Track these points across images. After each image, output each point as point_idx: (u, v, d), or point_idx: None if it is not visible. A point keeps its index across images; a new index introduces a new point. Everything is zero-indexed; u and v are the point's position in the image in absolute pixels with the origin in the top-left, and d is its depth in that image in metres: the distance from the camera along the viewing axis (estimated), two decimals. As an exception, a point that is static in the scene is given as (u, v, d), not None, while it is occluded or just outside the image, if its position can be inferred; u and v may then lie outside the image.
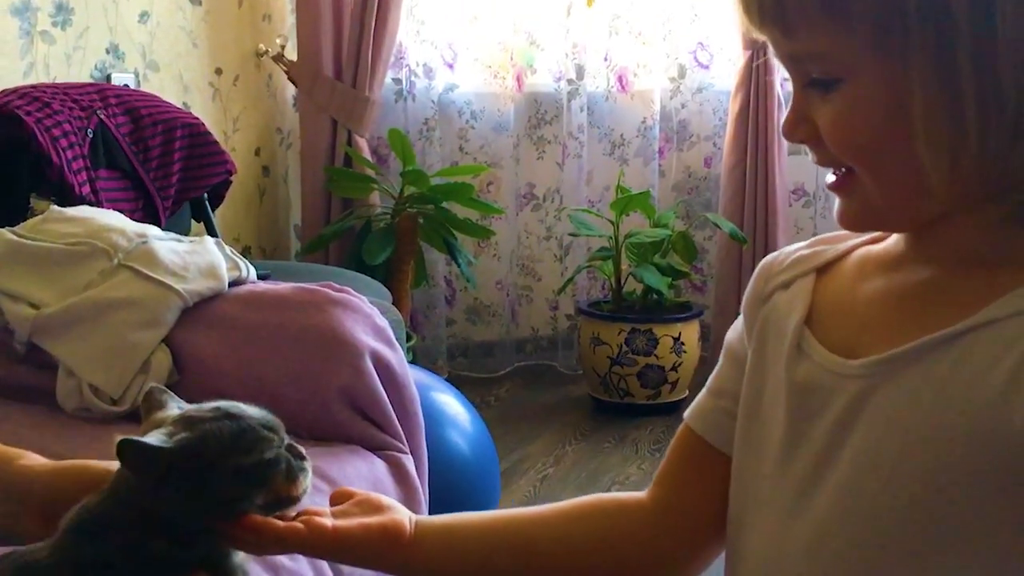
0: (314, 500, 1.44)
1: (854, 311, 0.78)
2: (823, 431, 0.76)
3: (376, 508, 0.89)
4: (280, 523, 0.83)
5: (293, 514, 0.84)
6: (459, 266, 3.43)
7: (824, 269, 0.82)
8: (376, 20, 3.40)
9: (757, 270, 0.87)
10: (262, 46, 3.52)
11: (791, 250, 0.86)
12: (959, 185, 0.69)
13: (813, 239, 0.86)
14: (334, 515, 0.87)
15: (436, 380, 2.32)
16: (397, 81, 3.63)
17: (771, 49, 0.74)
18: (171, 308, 1.63)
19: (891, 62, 0.68)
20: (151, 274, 1.63)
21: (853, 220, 0.76)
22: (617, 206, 3.40)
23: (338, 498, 0.91)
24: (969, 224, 0.72)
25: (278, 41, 3.50)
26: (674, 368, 3.37)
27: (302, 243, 3.60)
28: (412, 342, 3.39)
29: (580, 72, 3.69)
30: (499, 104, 3.71)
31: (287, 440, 0.86)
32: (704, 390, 0.91)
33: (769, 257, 0.88)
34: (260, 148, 3.63)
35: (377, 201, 3.53)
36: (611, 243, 3.45)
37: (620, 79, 3.77)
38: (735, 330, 0.89)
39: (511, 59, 3.68)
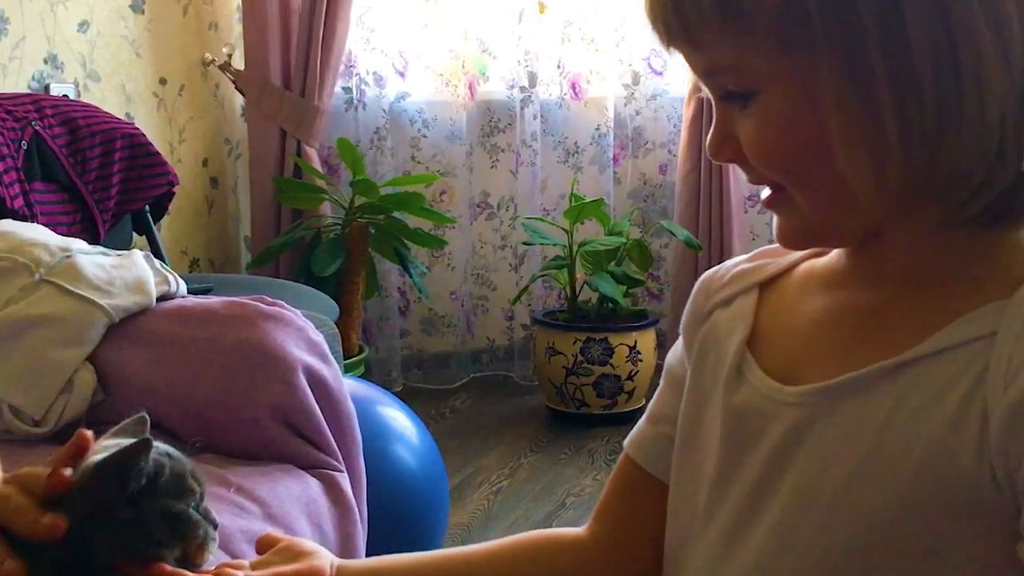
0: (241, 521, 1.39)
1: (796, 332, 0.74)
2: (759, 462, 0.72)
3: (297, 555, 0.85)
4: (190, 574, 0.78)
5: None
6: (412, 277, 3.38)
7: (767, 284, 0.78)
8: (324, 28, 3.35)
9: (696, 286, 0.83)
10: (208, 55, 3.46)
11: (732, 264, 0.82)
12: (888, 195, 0.65)
13: (756, 251, 0.82)
14: (253, 566, 0.84)
15: (383, 394, 2.27)
16: (347, 90, 3.58)
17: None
18: (96, 324, 1.57)
19: (800, 70, 0.65)
20: (74, 289, 1.58)
21: (790, 238, 0.73)
22: (571, 214, 3.37)
23: (262, 546, 0.87)
24: (907, 236, 0.68)
25: (224, 50, 3.44)
26: (630, 377, 3.34)
27: (252, 255, 3.54)
28: (365, 354, 3.34)
29: (533, 79, 3.66)
30: (451, 112, 3.67)
31: (205, 503, 0.81)
32: (644, 417, 0.87)
33: (709, 272, 0.83)
34: (208, 159, 3.56)
35: (328, 212, 3.48)
36: (565, 252, 3.41)
37: (573, 86, 3.74)
38: (675, 352, 0.85)
39: (463, 67, 3.64)
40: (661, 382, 0.86)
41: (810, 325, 0.74)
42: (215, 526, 0.81)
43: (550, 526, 2.63)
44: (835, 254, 0.75)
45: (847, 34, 0.63)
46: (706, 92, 0.72)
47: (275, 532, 1.42)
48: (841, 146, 0.65)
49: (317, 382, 1.58)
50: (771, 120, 0.67)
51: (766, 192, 0.72)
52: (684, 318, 0.83)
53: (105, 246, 1.93)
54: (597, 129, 3.76)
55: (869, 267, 0.72)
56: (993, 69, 0.62)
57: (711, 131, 0.72)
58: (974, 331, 0.64)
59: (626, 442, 0.87)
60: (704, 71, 0.70)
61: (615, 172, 3.81)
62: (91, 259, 1.64)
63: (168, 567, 0.77)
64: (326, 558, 0.85)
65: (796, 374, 0.72)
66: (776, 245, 0.77)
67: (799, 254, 0.78)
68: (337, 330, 2.21)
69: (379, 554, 1.75)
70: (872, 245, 0.71)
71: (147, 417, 0.83)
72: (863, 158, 0.64)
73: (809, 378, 0.71)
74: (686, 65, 0.71)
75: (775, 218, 0.73)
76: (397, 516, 1.98)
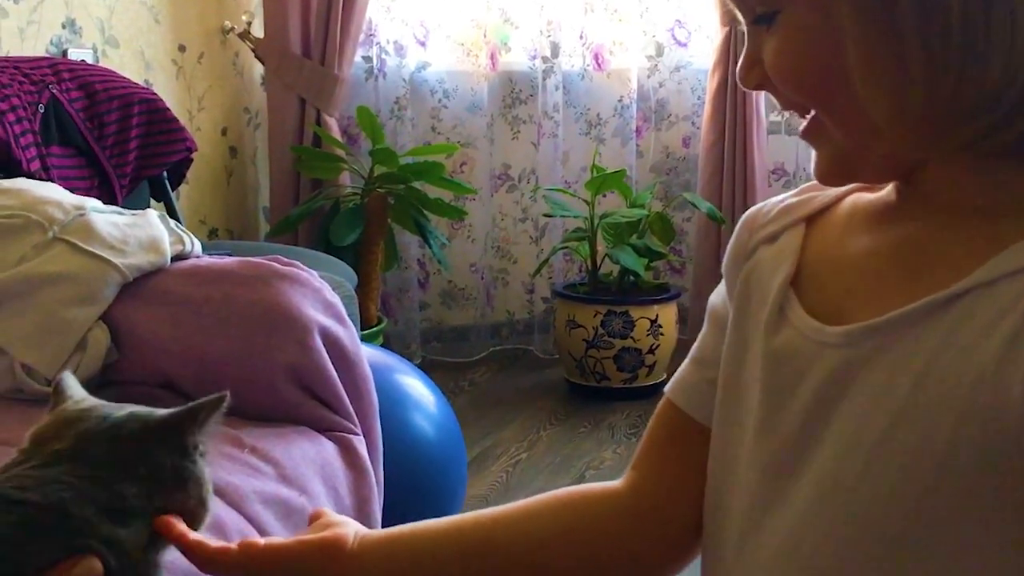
0: (255, 482, 1.37)
1: (841, 270, 0.70)
2: (801, 407, 0.68)
3: (324, 527, 0.83)
4: (211, 544, 0.78)
5: None
6: (431, 248, 3.35)
7: (814, 219, 0.74)
8: (345, -4, 3.31)
9: (740, 223, 0.79)
10: (228, 23, 3.42)
11: (777, 200, 0.78)
12: (910, 123, 0.63)
13: (802, 187, 0.78)
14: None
15: (402, 362, 2.24)
16: (367, 59, 3.55)
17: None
18: (109, 283, 1.55)
19: None
20: (88, 248, 1.55)
21: (825, 171, 0.70)
22: (592, 186, 3.33)
23: (310, 521, 0.87)
24: (949, 167, 0.65)
25: (244, 18, 3.41)
26: (651, 351, 3.30)
27: (271, 225, 3.51)
28: (383, 325, 3.32)
29: (555, 50, 3.61)
30: (472, 83, 3.63)
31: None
32: (687, 360, 0.82)
33: (753, 209, 0.79)
34: (227, 128, 3.54)
35: (347, 181, 3.45)
36: (586, 224, 3.37)
37: (596, 57, 3.69)
38: (719, 293, 0.80)
39: (484, 37, 3.59)
40: (704, 323, 0.82)
41: (856, 262, 0.70)
42: None
43: (569, 498, 2.60)
44: (884, 189, 0.71)
45: None
46: (741, 22, 0.69)
47: (292, 494, 1.40)
48: (858, 67, 0.62)
49: (333, 343, 1.55)
50: (790, 37, 0.65)
51: (804, 124, 0.69)
52: (727, 256, 0.79)
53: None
54: (620, 101, 3.71)
55: (914, 201, 0.68)
56: None
57: (742, 57, 0.69)
58: (1022, 260, 0.61)
59: (667, 387, 0.83)
60: None
61: (638, 145, 3.76)
62: (105, 218, 1.61)
63: (190, 537, 0.77)
64: (351, 528, 0.83)
65: (841, 314, 0.68)
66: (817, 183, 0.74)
67: (846, 188, 0.74)
68: (354, 293, 2.18)
69: (395, 522, 1.74)
70: (914, 178, 0.67)
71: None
72: (879, 82, 0.62)
73: (855, 317, 0.67)
74: None
75: (812, 154, 0.70)
76: (414, 484, 1.95)
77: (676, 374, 0.83)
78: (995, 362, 0.59)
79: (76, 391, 0.87)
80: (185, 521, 0.79)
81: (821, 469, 0.66)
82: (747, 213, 0.80)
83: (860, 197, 0.73)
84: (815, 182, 0.74)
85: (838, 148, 0.67)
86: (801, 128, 0.70)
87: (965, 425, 0.60)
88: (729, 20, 3.43)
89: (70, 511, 0.74)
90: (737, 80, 0.70)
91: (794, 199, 0.77)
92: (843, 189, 0.74)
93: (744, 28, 0.69)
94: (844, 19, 0.62)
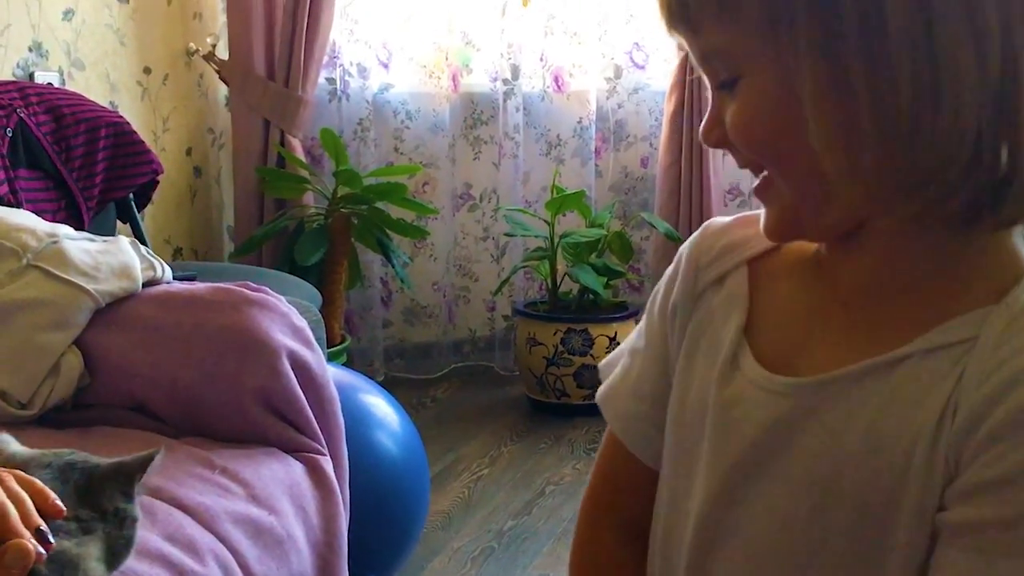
0: (225, 503, 1.41)
1: (788, 321, 0.76)
2: (750, 443, 0.74)
3: None
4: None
5: None
6: (394, 267, 3.41)
7: (756, 260, 0.79)
8: (308, 19, 3.36)
9: (685, 257, 0.83)
10: (192, 45, 3.47)
11: (718, 227, 0.83)
12: (862, 183, 0.67)
13: (738, 217, 0.83)
14: None
15: (365, 382, 2.29)
16: (331, 81, 3.60)
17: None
18: (82, 309, 1.59)
19: (782, 56, 0.67)
20: (61, 274, 1.59)
21: (774, 229, 0.74)
22: (552, 206, 3.40)
23: None
24: (888, 232, 0.70)
25: (209, 40, 3.45)
26: (610, 368, 3.36)
27: (235, 244, 3.55)
28: (347, 343, 3.36)
29: (516, 72, 3.69)
30: (435, 104, 3.69)
31: None
32: (628, 391, 0.87)
33: (695, 239, 0.84)
34: (192, 148, 3.57)
35: (311, 202, 3.49)
36: (547, 243, 3.44)
37: (556, 79, 3.77)
38: (652, 326, 0.85)
39: (446, 59, 3.66)
40: (643, 343, 0.86)
41: (803, 314, 0.75)
42: None
43: (529, 514, 2.66)
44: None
45: (826, 25, 0.65)
46: (706, 81, 0.74)
47: (261, 514, 1.44)
48: (814, 126, 0.66)
49: (301, 367, 1.60)
50: (751, 101, 0.70)
51: (756, 182, 0.74)
52: (677, 291, 0.82)
53: (89, 233, 1.95)
54: (579, 122, 3.78)
55: (856, 260, 0.73)
56: (971, 77, 0.63)
57: (706, 116, 0.74)
58: (961, 334, 0.67)
59: (611, 416, 0.88)
60: (701, 56, 0.73)
61: (597, 165, 3.84)
62: (78, 244, 1.66)
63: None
64: None
65: (789, 364, 0.74)
66: (756, 212, 0.79)
67: None
68: (320, 316, 2.23)
69: (361, 537, 1.78)
70: (856, 239, 0.72)
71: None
72: (836, 145, 0.66)
73: (801, 368, 0.73)
74: (689, 51, 0.74)
75: (763, 210, 0.75)
76: (378, 501, 2.00)
77: (617, 402, 0.88)
78: (933, 421, 0.67)
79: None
80: None
81: (773, 502, 0.72)
82: (689, 245, 0.84)
83: (803, 245, 0.78)
84: (751, 214, 0.81)
85: (788, 207, 0.72)
86: (754, 185, 0.74)
87: (904, 475, 0.67)
88: (685, 44, 3.51)
89: None
90: (700, 139, 0.74)
91: (737, 234, 0.81)
92: None
93: (703, 84, 0.74)
94: (802, 81, 0.66)
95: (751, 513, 0.73)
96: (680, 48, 3.52)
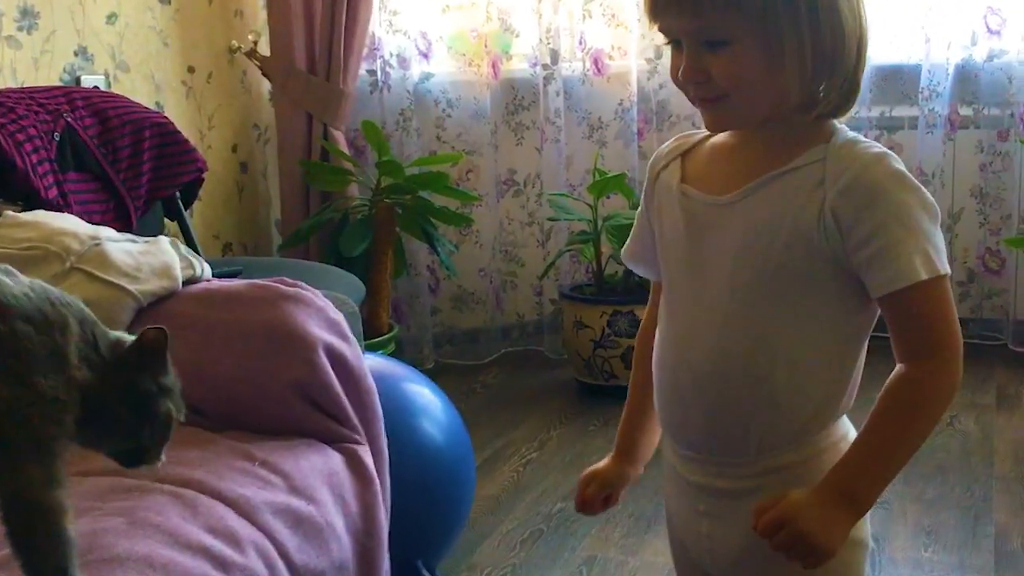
0: (266, 494, 1.45)
1: (708, 175, 1.21)
2: (699, 234, 1.19)
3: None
4: None
5: None
6: (439, 255, 3.44)
7: (687, 154, 1.24)
8: (347, 13, 3.40)
9: (649, 164, 1.29)
10: (235, 42, 3.52)
11: (665, 148, 1.28)
12: (790, 102, 1.11)
13: (676, 137, 1.28)
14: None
15: (409, 371, 2.32)
16: (372, 72, 3.63)
17: (662, 25, 1.12)
18: (125, 309, 1.64)
19: (768, 29, 1.07)
20: (103, 276, 1.64)
21: (722, 126, 1.18)
22: (594, 189, 3.40)
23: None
24: (781, 118, 1.14)
25: (251, 37, 3.50)
26: (657, 349, 3.36)
27: (282, 238, 3.61)
28: (395, 332, 3.41)
29: (555, 56, 3.69)
30: (475, 91, 3.71)
31: None
32: (635, 240, 1.34)
33: (654, 155, 1.29)
34: (237, 144, 3.63)
35: (356, 193, 3.54)
36: (591, 226, 3.45)
37: (596, 62, 3.76)
38: (642, 204, 1.30)
39: (485, 46, 3.67)
40: (635, 222, 1.33)
41: (718, 169, 1.20)
42: None
43: (578, 496, 2.68)
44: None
45: (791, 10, 1.08)
46: (666, 39, 1.13)
47: (301, 504, 1.48)
48: (791, 75, 1.10)
49: (337, 359, 1.64)
50: (744, 59, 1.09)
51: (708, 97, 1.12)
52: (645, 183, 1.29)
53: (138, 232, 2.00)
54: (620, 104, 3.78)
55: (757, 133, 1.17)
56: (851, 44, 1.11)
57: (684, 64, 1.10)
58: (814, 157, 1.13)
59: (625, 257, 1.36)
60: (693, 32, 1.09)
61: (640, 146, 3.83)
62: (119, 246, 1.70)
63: None
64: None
65: (712, 191, 1.19)
66: (687, 132, 1.26)
67: (703, 134, 1.24)
68: (357, 309, 2.26)
69: (406, 524, 1.82)
70: (762, 124, 1.17)
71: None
72: (793, 81, 1.10)
73: (726, 189, 1.17)
74: (671, 28, 1.11)
75: (705, 112, 1.14)
76: (423, 489, 2.03)
77: (629, 244, 1.35)
78: (802, 205, 1.12)
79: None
80: None
81: (718, 267, 1.17)
82: (651, 160, 1.29)
83: (716, 140, 1.22)
84: (684, 134, 1.26)
85: (735, 114, 1.14)
86: (703, 100, 1.12)
87: (793, 232, 1.12)
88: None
89: None
90: (679, 82, 1.13)
91: (673, 145, 1.27)
92: (705, 134, 1.23)
93: (671, 44, 1.13)
94: (784, 43, 1.08)
95: (707, 270, 1.18)
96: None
